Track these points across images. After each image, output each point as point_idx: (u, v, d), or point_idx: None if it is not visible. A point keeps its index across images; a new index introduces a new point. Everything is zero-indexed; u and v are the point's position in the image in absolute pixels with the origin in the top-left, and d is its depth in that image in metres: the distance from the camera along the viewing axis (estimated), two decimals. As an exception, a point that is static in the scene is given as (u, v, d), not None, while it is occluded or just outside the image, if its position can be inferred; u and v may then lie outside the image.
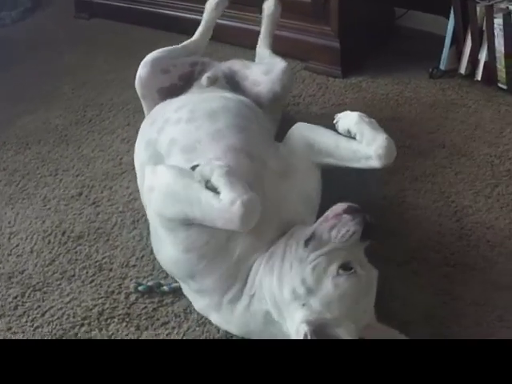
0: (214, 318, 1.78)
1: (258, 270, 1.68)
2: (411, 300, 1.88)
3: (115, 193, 2.44)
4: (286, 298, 1.59)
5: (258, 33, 2.73)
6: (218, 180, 1.59)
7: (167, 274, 2.02)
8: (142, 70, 2.36)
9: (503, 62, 2.75)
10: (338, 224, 1.59)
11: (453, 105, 2.87)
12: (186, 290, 1.87)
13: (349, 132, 1.94)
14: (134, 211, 2.34)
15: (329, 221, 1.62)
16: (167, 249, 1.78)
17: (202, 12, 3.22)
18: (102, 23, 4.04)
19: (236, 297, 1.70)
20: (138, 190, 2.26)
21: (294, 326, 1.56)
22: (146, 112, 2.39)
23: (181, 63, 2.44)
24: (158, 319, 1.92)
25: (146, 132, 2.11)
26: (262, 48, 2.65)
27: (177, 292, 1.97)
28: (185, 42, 2.59)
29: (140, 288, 2.00)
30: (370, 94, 3.00)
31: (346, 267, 1.55)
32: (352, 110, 2.50)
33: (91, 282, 2.07)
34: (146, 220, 2.15)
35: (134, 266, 2.11)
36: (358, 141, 1.89)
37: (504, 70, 2.78)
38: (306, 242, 1.61)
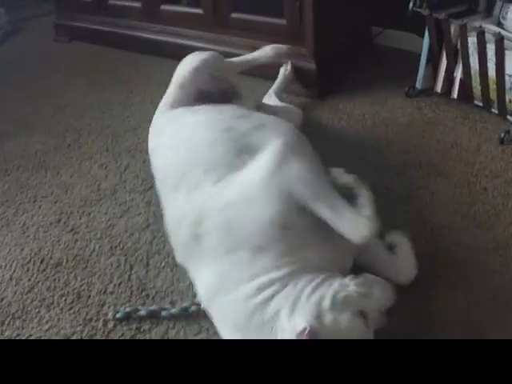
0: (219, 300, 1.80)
1: (303, 284, 1.71)
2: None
3: (93, 219, 2.44)
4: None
5: (234, 56, 2.73)
6: (365, 197, 1.83)
7: (144, 299, 2.05)
8: (199, 63, 2.46)
9: (478, 79, 2.76)
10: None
11: (429, 124, 2.88)
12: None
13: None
14: (112, 237, 2.34)
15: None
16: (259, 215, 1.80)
17: (182, 35, 3.28)
18: (82, 46, 4.05)
19: (262, 287, 1.72)
20: (116, 217, 2.27)
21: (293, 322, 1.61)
22: (171, 99, 2.46)
23: (226, 79, 2.52)
24: (135, 346, 1.90)
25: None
26: (272, 97, 2.83)
27: (154, 317, 1.99)
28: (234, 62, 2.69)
29: (118, 315, 2.00)
30: (347, 115, 3.00)
31: (365, 315, 1.62)
32: (329, 131, 2.55)
33: (70, 310, 2.06)
34: (124, 246, 2.23)
35: (112, 292, 2.11)
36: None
37: (479, 87, 2.78)
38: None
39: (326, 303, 1.62)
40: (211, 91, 2.41)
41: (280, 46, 2.85)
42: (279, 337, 1.60)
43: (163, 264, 2.20)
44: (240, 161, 1.93)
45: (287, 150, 1.88)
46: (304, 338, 1.53)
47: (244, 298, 1.71)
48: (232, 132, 2.05)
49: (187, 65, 2.49)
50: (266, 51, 2.82)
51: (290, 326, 1.59)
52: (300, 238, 1.80)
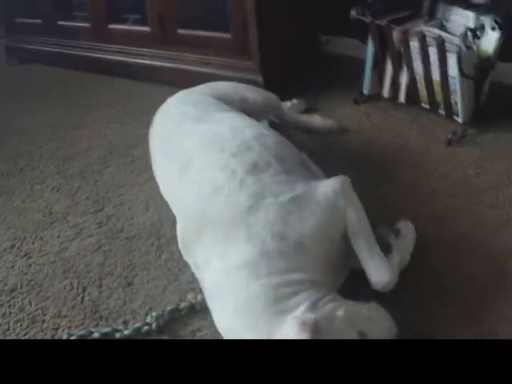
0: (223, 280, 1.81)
1: (324, 292, 1.76)
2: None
3: (46, 243, 2.43)
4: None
5: (183, 71, 2.72)
6: (396, 251, 2.02)
7: (98, 321, 2.04)
8: (276, 100, 2.80)
9: (423, 82, 2.79)
10: None
11: (378, 129, 2.91)
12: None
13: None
14: (65, 261, 2.32)
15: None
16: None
17: (131, 54, 3.29)
18: (34, 68, 4.04)
19: (294, 283, 1.74)
20: (68, 239, 2.32)
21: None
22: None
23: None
24: (90, 369, 1.89)
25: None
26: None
27: (108, 337, 1.97)
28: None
29: (72, 338, 1.98)
30: (295, 125, 3.00)
31: (364, 337, 1.64)
32: None
33: (25, 335, 2.04)
34: (76, 269, 2.23)
35: (66, 316, 2.09)
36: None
37: (425, 90, 2.81)
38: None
39: (341, 313, 1.65)
40: None
41: (329, 121, 3.00)
42: (285, 327, 1.60)
43: (115, 284, 2.19)
44: (304, 171, 2.11)
45: (350, 186, 2.01)
46: (307, 328, 1.54)
47: (274, 286, 1.72)
48: (294, 147, 2.25)
49: (261, 90, 2.73)
50: (318, 122, 3.00)
51: (300, 316, 1.61)
52: (330, 254, 1.88)
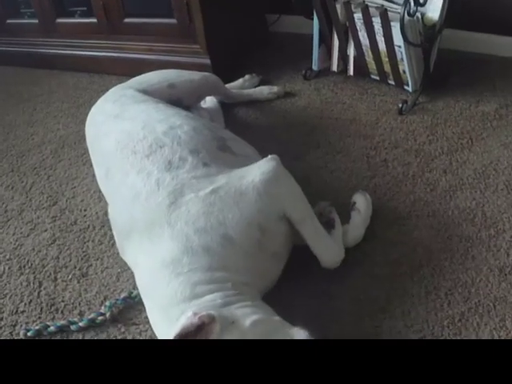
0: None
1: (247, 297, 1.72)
2: (288, 304, 1.87)
3: (1, 241, 2.41)
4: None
5: (131, 60, 2.76)
6: (338, 228, 2.03)
7: (54, 314, 2.04)
8: (210, 78, 2.75)
9: (371, 54, 2.78)
10: None
11: (327, 103, 2.90)
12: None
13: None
14: (20, 257, 2.31)
15: None
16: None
17: (80, 47, 3.27)
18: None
19: (216, 281, 1.72)
20: (23, 236, 2.36)
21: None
22: (148, 86, 2.48)
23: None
24: (47, 362, 1.88)
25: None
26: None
27: (64, 331, 1.98)
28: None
29: (29, 333, 1.98)
30: (245, 105, 3.01)
31: None
32: (228, 122, 2.63)
33: (-16, 334, 2.01)
34: (32, 264, 2.22)
35: (23, 311, 2.09)
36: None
37: (373, 61, 2.80)
38: None
39: (247, 323, 1.59)
40: (184, 105, 2.47)
41: (275, 88, 3.03)
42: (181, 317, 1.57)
43: (70, 277, 2.19)
44: (224, 157, 2.05)
45: (283, 169, 1.95)
46: (193, 320, 1.51)
47: (192, 284, 1.70)
48: (212, 130, 2.18)
49: (194, 73, 2.63)
50: (261, 90, 3.03)
51: (201, 311, 1.56)
52: (263, 254, 1.85)
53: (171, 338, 1.49)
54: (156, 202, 1.85)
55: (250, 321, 1.58)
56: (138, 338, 1.93)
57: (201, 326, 1.51)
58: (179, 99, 2.47)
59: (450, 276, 1.97)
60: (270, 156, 1.96)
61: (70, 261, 2.25)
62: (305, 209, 1.95)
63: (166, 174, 1.90)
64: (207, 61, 3.03)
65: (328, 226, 2.03)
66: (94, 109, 2.41)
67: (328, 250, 1.97)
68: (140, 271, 1.87)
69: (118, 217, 1.99)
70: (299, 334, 1.57)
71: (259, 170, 1.89)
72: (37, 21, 3.62)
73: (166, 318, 1.68)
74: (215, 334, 1.52)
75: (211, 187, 1.85)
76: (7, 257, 2.34)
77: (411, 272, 2.00)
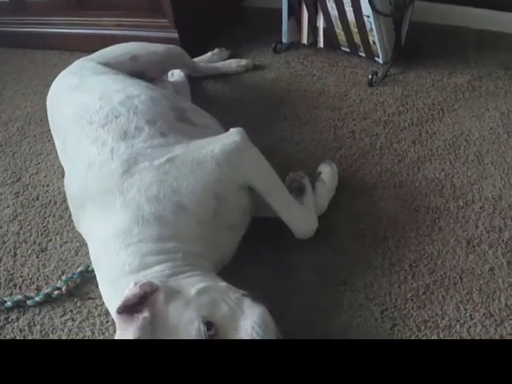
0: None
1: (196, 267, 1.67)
2: (247, 277, 1.83)
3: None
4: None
5: (100, 36, 2.91)
6: (309, 195, 2.01)
7: (12, 289, 2.02)
8: (174, 50, 2.69)
9: (340, 25, 2.73)
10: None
11: (297, 76, 2.86)
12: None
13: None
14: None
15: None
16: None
17: (50, 24, 3.23)
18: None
19: (167, 251, 1.67)
20: None
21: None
22: (111, 59, 2.44)
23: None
24: (4, 337, 1.88)
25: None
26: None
27: (21, 306, 1.96)
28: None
29: (-15, 310, 1.93)
30: (213, 79, 2.97)
31: (213, 328, 1.47)
32: (196, 95, 2.62)
33: None
34: None
35: (-18, 288, 2.03)
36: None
37: (343, 33, 2.76)
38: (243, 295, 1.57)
39: (193, 291, 1.53)
40: (148, 77, 2.44)
41: (244, 61, 3.00)
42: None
43: (30, 252, 2.16)
44: (182, 127, 2.00)
45: (247, 141, 1.89)
46: (135, 291, 1.47)
47: (142, 254, 1.66)
48: (171, 101, 2.13)
49: (158, 46, 2.59)
50: (230, 63, 2.99)
51: (144, 281, 1.51)
52: (219, 224, 1.80)
53: (115, 311, 1.45)
54: (109, 170, 1.80)
55: (195, 289, 1.53)
56: (93, 312, 1.91)
57: (144, 296, 1.47)
58: (142, 71, 2.43)
59: (415, 248, 1.93)
60: (234, 129, 1.91)
61: (30, 236, 2.22)
62: (271, 179, 1.90)
63: (121, 144, 1.86)
64: (175, 35, 2.99)
65: (299, 191, 2.00)
66: (54, 82, 2.36)
67: (300, 219, 1.93)
68: (92, 242, 1.82)
69: (72, 187, 1.95)
70: (247, 301, 1.54)
71: (220, 142, 1.84)
72: (7, -1, 3.56)
73: (115, 291, 1.63)
74: (160, 303, 1.48)
75: (167, 156, 1.80)
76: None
77: (375, 244, 1.96)
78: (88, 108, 2.03)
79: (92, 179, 1.83)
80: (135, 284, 1.48)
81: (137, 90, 2.10)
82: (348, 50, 2.86)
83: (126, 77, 2.26)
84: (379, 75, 2.68)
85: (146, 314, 1.45)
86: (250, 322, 1.49)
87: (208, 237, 1.75)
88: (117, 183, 1.77)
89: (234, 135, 1.87)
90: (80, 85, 2.20)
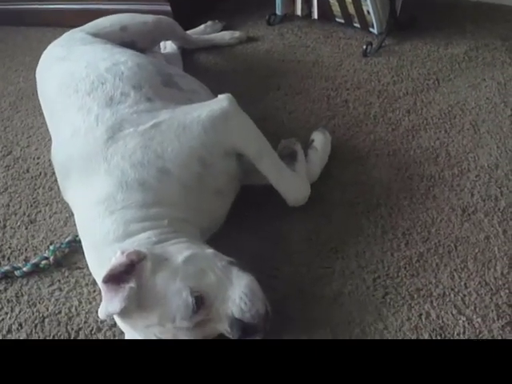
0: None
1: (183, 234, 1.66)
2: (236, 245, 1.80)
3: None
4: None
5: (92, 11, 2.94)
6: (301, 162, 1.98)
7: (0, 261, 2.02)
8: (165, 21, 2.68)
9: (334, -5, 2.70)
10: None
11: (290, 47, 2.83)
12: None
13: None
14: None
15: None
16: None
17: (45, 1, 3.20)
18: None
19: (149, 218, 1.66)
20: None
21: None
22: (101, 30, 2.44)
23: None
24: (-9, 307, 1.85)
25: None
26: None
27: (9, 277, 1.95)
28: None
29: (-28, 280, 1.92)
30: (206, 50, 2.95)
31: (200, 300, 1.48)
32: (189, 65, 2.64)
33: None
34: None
35: (-30, 260, 2.02)
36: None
37: (337, 3, 2.73)
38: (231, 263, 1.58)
39: (180, 258, 1.53)
40: (138, 48, 2.40)
41: (237, 33, 2.97)
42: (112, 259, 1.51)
43: (19, 223, 2.15)
44: (169, 92, 1.98)
45: (236, 106, 1.88)
46: (122, 260, 1.47)
47: (125, 222, 1.64)
48: (158, 66, 2.11)
49: (148, 16, 2.57)
50: (223, 35, 2.96)
51: (130, 249, 1.51)
52: (205, 189, 1.78)
53: (101, 280, 1.46)
54: (94, 136, 1.78)
55: (182, 257, 1.52)
56: (81, 281, 1.90)
57: (130, 265, 1.46)
58: (132, 42, 2.41)
59: (408, 216, 1.90)
60: (222, 95, 1.89)
61: (20, 208, 2.21)
62: (261, 145, 1.88)
63: (106, 110, 1.84)
64: (167, 8, 2.97)
65: (291, 158, 1.97)
66: (43, 54, 2.34)
67: (292, 186, 1.92)
68: (77, 210, 1.81)
69: (58, 155, 1.93)
70: (234, 270, 1.55)
71: (208, 107, 1.82)
72: (-2, -25, 3.53)
73: (100, 259, 1.63)
74: (147, 271, 1.48)
75: (152, 121, 1.78)
76: None
77: (368, 212, 1.94)
78: (74, 77, 2.01)
79: (77, 146, 1.81)
80: (122, 253, 1.46)
81: (123, 56, 2.07)
82: (342, 20, 2.82)
83: (114, 46, 2.23)
84: (374, 46, 2.65)
85: (132, 283, 1.45)
86: (237, 292, 1.48)
87: (193, 202, 1.73)
88: (101, 150, 1.75)
89: (222, 101, 1.85)
90: (68, 55, 2.18)
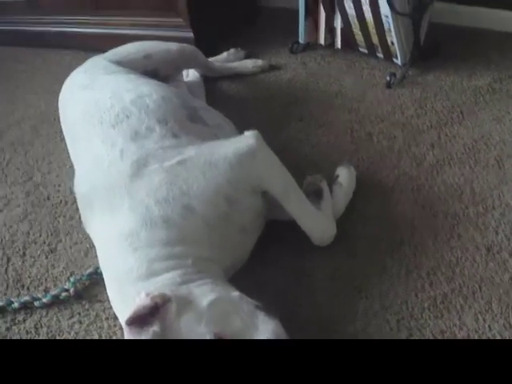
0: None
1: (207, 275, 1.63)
2: (260, 280, 1.81)
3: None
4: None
5: (115, 36, 2.96)
6: (327, 200, 1.96)
7: (20, 290, 2.00)
8: (188, 49, 2.66)
9: (358, 25, 2.68)
10: None
11: (313, 76, 2.82)
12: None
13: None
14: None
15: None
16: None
17: (65, 23, 3.22)
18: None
19: (169, 257, 1.64)
20: None
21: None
22: (124, 57, 2.43)
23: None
24: (10, 338, 1.85)
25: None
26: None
27: (28, 307, 1.93)
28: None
29: (-8, 310, 1.90)
30: (229, 78, 2.93)
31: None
32: (211, 93, 2.62)
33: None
34: (2, 240, 2.18)
35: (-10, 288, 2.00)
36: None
37: (360, 33, 2.71)
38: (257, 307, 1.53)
39: (205, 302, 1.50)
40: (161, 76, 2.41)
41: (260, 61, 2.95)
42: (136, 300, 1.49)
43: (39, 252, 2.12)
44: (195, 127, 1.96)
45: (262, 143, 1.86)
46: (146, 302, 1.44)
47: (149, 260, 1.62)
48: (183, 99, 2.09)
49: (171, 44, 2.55)
50: (246, 64, 2.94)
51: (155, 292, 1.48)
52: (230, 227, 1.77)
53: (124, 322, 1.42)
54: (118, 170, 1.77)
55: (207, 300, 1.49)
56: (101, 315, 1.87)
57: (155, 308, 1.44)
58: (155, 70, 2.40)
59: (433, 255, 1.88)
60: (248, 132, 1.88)
61: (40, 236, 2.19)
62: (287, 183, 1.86)
63: (131, 144, 1.83)
64: (190, 34, 2.96)
65: (316, 196, 1.96)
66: (66, 80, 2.34)
67: (318, 225, 1.90)
68: (100, 244, 1.79)
69: (81, 186, 1.92)
70: (260, 315, 1.50)
71: (234, 144, 1.81)
72: (21, -2, 3.54)
73: (123, 296, 1.62)
74: (172, 314, 1.45)
75: (178, 158, 1.76)
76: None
77: (391, 250, 1.91)
78: (99, 107, 2.00)
79: (100, 179, 1.80)
80: (147, 295, 1.44)
81: (148, 88, 2.06)
82: (366, 50, 2.80)
83: (138, 76, 2.22)
84: (397, 77, 2.63)
85: (156, 327, 1.43)
86: (263, 338, 1.45)
87: (218, 241, 1.71)
88: (125, 184, 1.74)
89: (248, 138, 1.83)
90: (91, 84, 2.17)
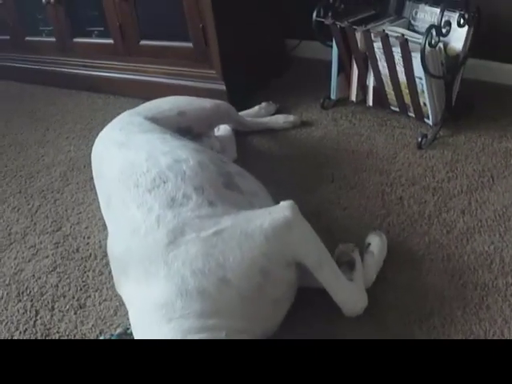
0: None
1: None
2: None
3: (3, 265, 2.36)
4: None
5: (147, 83, 3.01)
6: (358, 262, 1.97)
7: None
8: (223, 106, 2.70)
9: (390, 84, 2.69)
10: None
11: (344, 134, 2.81)
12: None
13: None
14: (20, 283, 2.26)
15: None
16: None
17: (96, 67, 3.24)
18: (3, 85, 3.97)
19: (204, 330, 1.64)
20: (24, 261, 2.34)
21: None
22: (157, 114, 2.43)
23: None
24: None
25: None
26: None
27: None
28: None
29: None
30: (259, 134, 2.94)
31: None
32: (242, 150, 2.61)
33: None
34: (31, 291, 2.18)
35: (17, 341, 2.00)
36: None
37: (393, 92, 2.72)
38: None
39: None
40: (194, 133, 2.45)
41: (291, 117, 2.97)
42: None
43: (68, 307, 2.13)
44: (231, 195, 1.95)
45: (298, 216, 1.84)
46: None
47: (183, 331, 1.63)
48: (219, 165, 2.07)
49: (206, 101, 2.58)
50: (277, 119, 2.97)
51: None
52: (263, 299, 1.76)
53: None
54: (154, 239, 1.77)
55: None
56: (130, 378, 1.84)
57: None
58: (189, 127, 2.42)
59: (461, 327, 1.86)
60: (284, 202, 1.86)
61: (69, 290, 2.19)
62: (321, 255, 1.85)
63: (167, 211, 1.82)
64: (222, 87, 2.97)
65: (348, 265, 1.96)
66: (101, 134, 2.35)
67: (349, 297, 1.89)
68: (133, 309, 1.79)
69: (115, 249, 1.92)
70: None
71: (270, 216, 1.79)
72: (54, 39, 3.60)
73: None
74: None
75: (214, 228, 1.76)
76: (6, 282, 2.29)
77: (420, 320, 1.89)
78: (135, 169, 2.01)
79: (136, 246, 1.80)
80: None
81: (184, 153, 2.06)
82: (397, 109, 2.81)
83: (173, 137, 2.22)
84: (429, 137, 2.63)
85: None
86: None
87: (251, 312, 1.71)
88: (162, 253, 1.73)
89: (284, 209, 1.82)
90: (127, 142, 2.18)
